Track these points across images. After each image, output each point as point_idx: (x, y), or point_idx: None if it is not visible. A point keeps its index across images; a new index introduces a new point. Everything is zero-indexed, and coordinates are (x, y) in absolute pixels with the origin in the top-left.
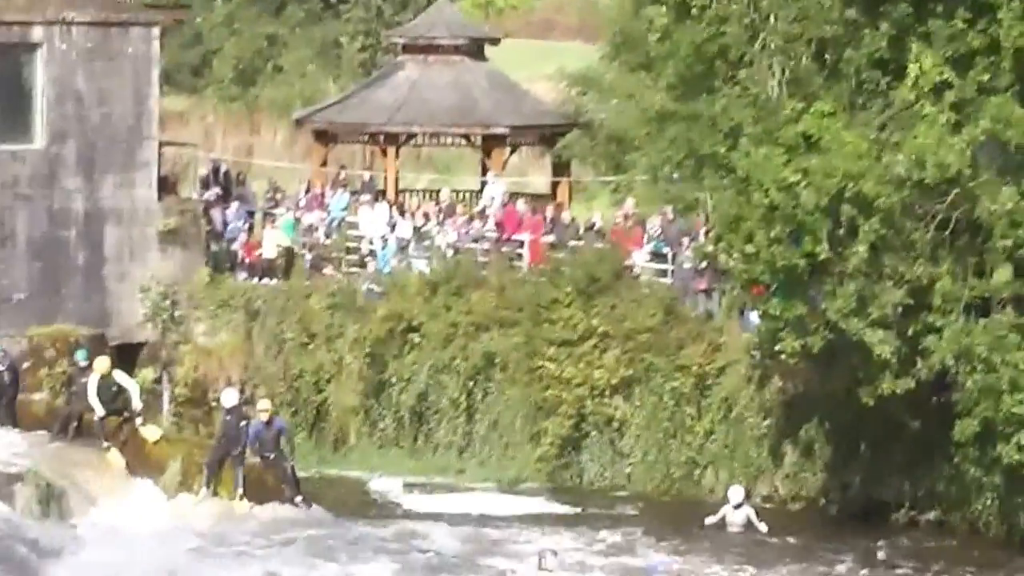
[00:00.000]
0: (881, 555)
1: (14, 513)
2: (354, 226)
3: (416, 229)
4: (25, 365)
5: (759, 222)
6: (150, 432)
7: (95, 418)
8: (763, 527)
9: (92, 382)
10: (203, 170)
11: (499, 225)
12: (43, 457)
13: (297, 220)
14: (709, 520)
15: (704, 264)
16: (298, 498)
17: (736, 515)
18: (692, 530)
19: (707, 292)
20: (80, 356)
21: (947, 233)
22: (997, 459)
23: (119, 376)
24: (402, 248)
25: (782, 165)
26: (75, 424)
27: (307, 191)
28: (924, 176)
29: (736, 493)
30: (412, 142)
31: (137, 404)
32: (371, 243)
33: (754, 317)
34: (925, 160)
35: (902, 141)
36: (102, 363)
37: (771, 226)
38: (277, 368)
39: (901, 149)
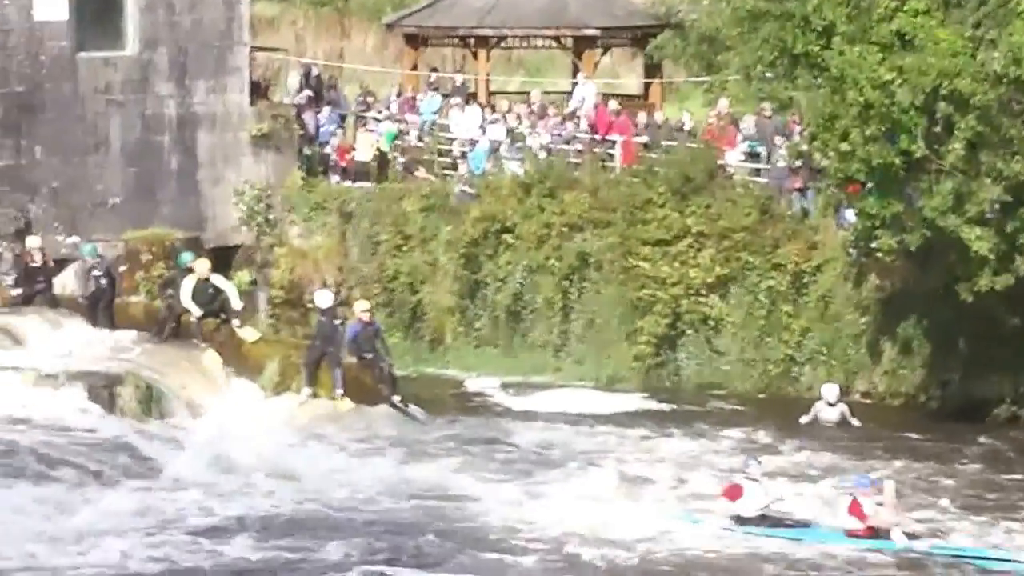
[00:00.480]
0: (983, 438)
1: (116, 413)
2: (446, 129)
3: (508, 131)
4: (121, 269)
5: (854, 120)
6: (248, 333)
7: (192, 319)
8: (856, 422)
9: (187, 284)
10: (295, 74)
11: (591, 126)
12: (143, 358)
13: (401, 132)
14: (803, 419)
15: (799, 163)
16: (396, 397)
17: (830, 412)
18: (801, 428)
19: (802, 190)
20: (186, 257)
21: None
22: None
23: (216, 279)
24: (494, 150)
25: (877, 63)
26: (173, 325)
27: (398, 95)
28: (1020, 73)
29: (831, 391)
30: (502, 45)
31: (237, 305)
32: (463, 145)
33: (850, 215)
34: (1021, 57)
35: (997, 38)
36: (202, 265)
37: (866, 124)
38: (372, 270)
39: (997, 46)
